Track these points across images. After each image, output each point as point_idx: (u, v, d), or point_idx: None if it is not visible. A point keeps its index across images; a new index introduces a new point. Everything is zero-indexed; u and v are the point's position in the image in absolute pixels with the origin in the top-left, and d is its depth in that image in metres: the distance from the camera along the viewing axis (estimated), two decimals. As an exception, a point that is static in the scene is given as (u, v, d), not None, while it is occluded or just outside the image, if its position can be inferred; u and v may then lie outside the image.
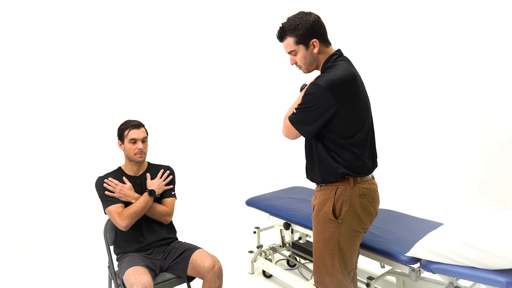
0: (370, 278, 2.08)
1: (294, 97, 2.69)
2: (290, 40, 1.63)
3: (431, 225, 2.18)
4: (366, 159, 1.64)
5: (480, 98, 3.52)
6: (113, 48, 4.38)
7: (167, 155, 4.11)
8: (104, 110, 4.33)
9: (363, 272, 2.44)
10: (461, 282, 1.89)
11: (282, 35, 1.65)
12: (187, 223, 3.22)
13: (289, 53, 1.68)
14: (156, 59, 4.66)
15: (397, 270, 2.17)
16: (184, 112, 4.83)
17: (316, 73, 1.75)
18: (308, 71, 1.72)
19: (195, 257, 2.04)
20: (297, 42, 1.62)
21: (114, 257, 2.17)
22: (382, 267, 2.39)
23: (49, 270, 3.07)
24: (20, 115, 3.97)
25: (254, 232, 2.84)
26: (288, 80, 4.72)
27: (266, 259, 2.80)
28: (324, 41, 1.65)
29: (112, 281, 2.15)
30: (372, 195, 1.67)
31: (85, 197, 3.88)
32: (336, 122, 1.56)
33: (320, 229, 1.66)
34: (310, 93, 1.55)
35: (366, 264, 2.61)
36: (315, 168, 1.67)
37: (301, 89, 1.82)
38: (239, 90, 5.12)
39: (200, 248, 2.13)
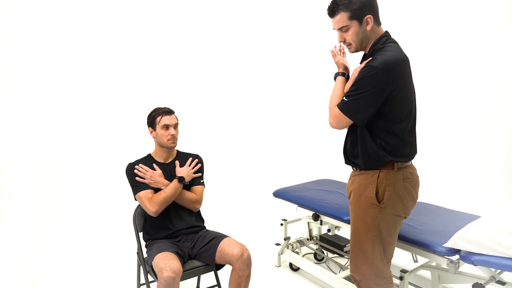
0: (403, 271, 2.00)
1: (321, 89, 2.64)
2: (343, 15, 1.54)
3: (468, 217, 2.09)
4: (410, 145, 1.60)
5: (509, 89, 3.39)
6: (144, 35, 4.44)
7: (196, 144, 4.10)
8: (132, 99, 4.39)
9: (394, 266, 2.36)
10: (504, 276, 1.79)
11: (334, 9, 1.56)
12: (214, 213, 3.22)
13: (339, 29, 1.59)
14: (187, 45, 4.67)
15: (432, 264, 2.09)
16: (214, 103, 4.84)
17: (359, 54, 1.70)
18: (356, 50, 1.63)
19: (223, 245, 2.03)
20: (351, 17, 1.53)
21: (143, 244, 2.18)
22: (415, 261, 2.30)
23: (80, 258, 3.14)
24: (44, 102, 4.07)
25: (281, 225, 2.80)
26: (317, 71, 4.68)
27: (293, 252, 2.76)
28: (377, 19, 1.59)
29: (141, 267, 2.17)
30: (414, 179, 1.63)
31: (115, 184, 3.95)
32: (387, 106, 1.51)
33: (361, 215, 1.61)
34: (366, 77, 1.48)
35: (398, 259, 2.52)
36: (358, 153, 1.62)
37: (335, 78, 1.77)
38: (270, 82, 5.08)
39: (228, 236, 2.11)
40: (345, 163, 1.75)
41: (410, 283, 2.27)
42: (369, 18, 1.54)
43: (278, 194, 2.72)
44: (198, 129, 4.64)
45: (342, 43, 1.66)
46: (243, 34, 4.94)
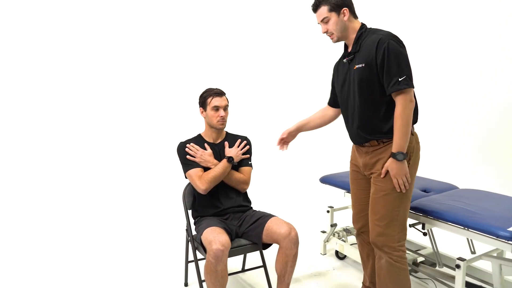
0: (460, 259, 1.89)
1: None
2: (324, 9, 1.81)
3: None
4: (417, 108, 1.77)
5: None
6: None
7: (246, 127, 4.14)
8: (186, 79, 4.54)
9: (449, 258, 2.24)
10: None
11: (317, 4, 1.84)
12: (261, 196, 3.22)
13: (321, 21, 1.84)
14: (237, 30, 4.76)
15: (493, 255, 1.95)
16: (267, 87, 4.89)
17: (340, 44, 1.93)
18: (338, 38, 1.85)
19: (270, 223, 2.03)
20: (330, 10, 1.80)
21: (191, 221, 2.24)
22: (473, 252, 2.17)
23: (130, 234, 3.29)
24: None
25: (328, 212, 2.76)
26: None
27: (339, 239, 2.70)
28: (353, 12, 1.84)
29: (190, 243, 2.23)
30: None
31: (166, 164, 4.10)
32: None
33: (390, 178, 1.73)
34: (396, 49, 1.65)
35: (452, 249, 2.39)
36: (383, 125, 1.75)
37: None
38: (320, 66, 5.03)
39: (275, 216, 2.11)
40: (362, 143, 1.86)
41: (468, 275, 2.14)
42: (345, 10, 1.80)
43: (325, 180, 2.68)
44: (248, 112, 4.69)
45: None
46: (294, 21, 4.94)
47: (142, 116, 4.57)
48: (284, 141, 2.21)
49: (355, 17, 1.86)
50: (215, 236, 1.85)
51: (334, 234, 2.74)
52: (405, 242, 1.81)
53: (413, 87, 1.67)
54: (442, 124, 5.07)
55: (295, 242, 1.97)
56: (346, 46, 1.92)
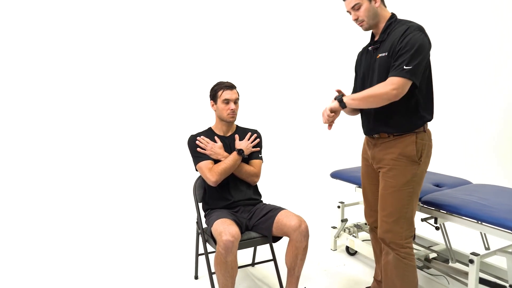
0: (474, 253, 1.85)
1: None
2: None
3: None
4: (433, 107, 1.78)
5: None
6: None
7: (256, 121, 4.14)
8: (198, 72, 4.56)
9: (462, 254, 2.20)
10: None
11: None
12: (271, 191, 3.21)
13: (352, 8, 1.78)
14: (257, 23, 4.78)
15: (509, 250, 1.91)
16: (277, 81, 4.87)
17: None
18: (369, 26, 1.80)
19: (280, 216, 2.02)
20: None
21: (202, 214, 2.25)
22: (487, 248, 2.13)
23: (141, 227, 3.33)
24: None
25: (338, 207, 2.74)
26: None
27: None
28: (382, 0, 1.81)
29: (200, 236, 2.23)
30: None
31: (175, 157, 4.13)
32: (427, 68, 1.71)
33: (402, 172, 1.74)
34: (415, 39, 1.62)
35: (465, 245, 2.35)
36: (397, 118, 1.73)
37: (339, 99, 1.80)
38: (330, 61, 5.02)
39: (286, 209, 2.10)
40: (372, 134, 1.86)
41: (482, 271, 2.10)
42: None
43: (336, 175, 2.66)
44: (259, 106, 4.68)
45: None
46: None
47: (153, 110, 4.60)
48: (332, 120, 1.91)
49: (385, 5, 1.83)
50: (225, 227, 1.85)
51: (344, 230, 2.72)
52: (412, 239, 1.79)
53: (414, 83, 1.63)
54: (456, 120, 4.98)
55: (305, 235, 1.96)
56: (373, 35, 1.88)
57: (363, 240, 2.77)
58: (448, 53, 4.85)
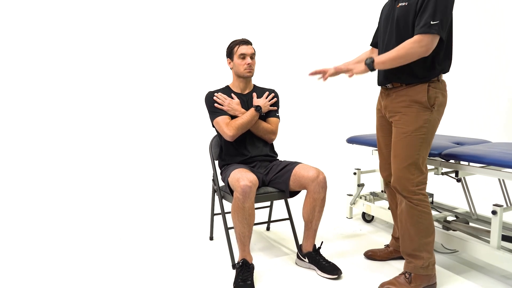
0: (497, 205, 1.81)
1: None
2: None
3: None
4: (451, 58, 1.76)
5: None
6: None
7: (273, 82, 4.08)
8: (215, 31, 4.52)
9: (482, 216, 2.15)
10: None
11: None
12: (286, 152, 3.17)
13: None
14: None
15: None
16: (294, 40, 4.78)
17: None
18: None
19: (298, 169, 2.01)
20: None
21: (218, 171, 2.25)
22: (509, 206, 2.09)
23: (155, 189, 3.33)
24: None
25: (355, 173, 2.71)
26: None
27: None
28: None
29: (216, 193, 2.23)
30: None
31: (192, 116, 4.16)
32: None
33: (413, 118, 1.72)
34: None
35: (486, 208, 2.30)
36: (411, 68, 1.70)
37: (370, 64, 1.72)
38: (348, 30, 4.92)
39: (302, 162, 2.09)
40: (385, 83, 1.83)
41: (506, 228, 2.05)
42: None
43: (352, 140, 2.64)
44: (276, 67, 4.61)
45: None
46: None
47: (171, 69, 4.49)
48: (328, 75, 1.87)
49: None
50: (243, 174, 1.85)
51: (360, 197, 2.69)
52: (425, 186, 1.76)
53: (442, 36, 1.60)
54: (475, 84, 4.70)
55: (323, 186, 1.94)
56: None
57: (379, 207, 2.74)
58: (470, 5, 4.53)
